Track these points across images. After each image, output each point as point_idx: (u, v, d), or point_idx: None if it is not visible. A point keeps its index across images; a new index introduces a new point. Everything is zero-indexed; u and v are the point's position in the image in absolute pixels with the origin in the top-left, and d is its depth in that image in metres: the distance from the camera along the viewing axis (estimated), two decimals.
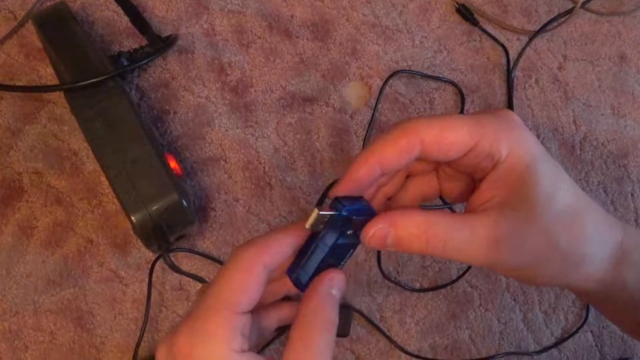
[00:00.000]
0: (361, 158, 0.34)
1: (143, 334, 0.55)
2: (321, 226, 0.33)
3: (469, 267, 0.61)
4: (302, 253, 0.35)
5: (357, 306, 0.59)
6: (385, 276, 0.60)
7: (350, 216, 0.33)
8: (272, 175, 0.60)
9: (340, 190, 0.34)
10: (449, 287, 0.61)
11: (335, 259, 0.35)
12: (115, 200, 0.58)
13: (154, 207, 0.49)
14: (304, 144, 0.61)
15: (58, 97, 0.59)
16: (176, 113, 0.60)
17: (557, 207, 0.34)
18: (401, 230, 0.33)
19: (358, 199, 0.35)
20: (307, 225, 0.33)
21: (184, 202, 0.50)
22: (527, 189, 0.33)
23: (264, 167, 0.60)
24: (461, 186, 0.38)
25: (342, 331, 0.57)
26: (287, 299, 0.40)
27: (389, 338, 0.59)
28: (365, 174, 0.34)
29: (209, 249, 0.58)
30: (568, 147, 0.65)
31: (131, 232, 0.57)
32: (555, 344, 0.61)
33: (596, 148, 0.65)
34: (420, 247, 0.33)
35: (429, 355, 0.60)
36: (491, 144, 0.33)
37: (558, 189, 0.34)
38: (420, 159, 0.34)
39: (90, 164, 0.58)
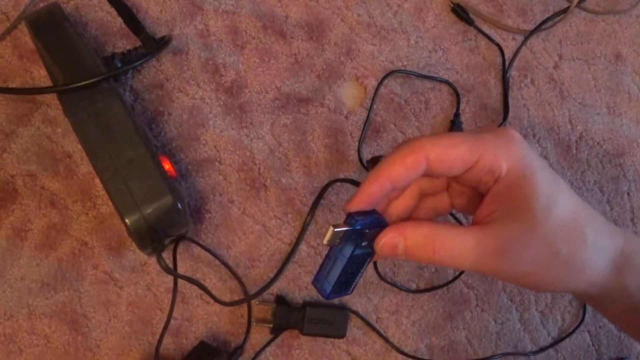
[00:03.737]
0: (372, 176, 0.37)
1: (163, 335, 0.54)
2: (338, 241, 0.36)
3: None
4: (324, 265, 0.38)
5: (353, 307, 0.59)
6: (382, 277, 0.59)
7: (363, 229, 0.36)
8: (267, 177, 0.60)
9: (353, 206, 0.37)
10: (445, 288, 0.61)
11: (354, 268, 0.38)
12: (110, 203, 0.57)
13: (148, 210, 0.49)
14: (299, 144, 0.61)
15: (52, 99, 0.58)
16: (170, 114, 0.60)
17: (556, 217, 0.36)
18: (410, 240, 0.36)
19: (370, 212, 0.38)
20: (325, 241, 0.36)
21: (179, 205, 0.50)
22: (527, 201, 0.35)
23: (259, 168, 0.60)
24: (470, 201, 0.40)
25: (339, 333, 0.57)
26: None
27: (385, 339, 0.59)
28: (376, 190, 0.37)
29: (204, 251, 0.58)
30: (564, 147, 0.65)
31: (126, 234, 0.57)
32: (552, 344, 0.61)
33: (592, 147, 0.65)
34: (427, 256, 0.36)
35: (426, 356, 0.60)
36: (491, 160, 0.36)
37: (557, 200, 0.36)
38: (426, 175, 0.37)
39: (85, 166, 0.58)
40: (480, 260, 0.35)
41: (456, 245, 0.35)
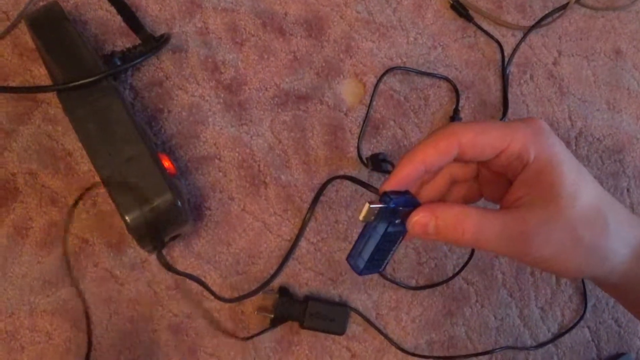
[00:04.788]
0: (407, 158, 0.38)
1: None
2: (372, 217, 0.37)
3: (465, 264, 0.61)
4: (358, 242, 0.39)
5: (352, 304, 0.59)
6: (381, 274, 0.60)
7: (397, 207, 0.37)
8: (267, 174, 0.60)
9: (388, 186, 0.38)
10: (444, 284, 0.61)
11: (387, 245, 0.39)
12: (110, 200, 0.57)
13: (148, 207, 0.49)
14: (298, 141, 0.61)
15: (52, 97, 0.59)
16: (170, 112, 0.60)
17: (581, 205, 0.37)
18: (440, 220, 0.37)
19: (404, 192, 0.39)
20: (361, 217, 0.37)
21: (178, 202, 0.50)
22: (553, 188, 0.37)
23: (258, 165, 0.60)
24: (498, 189, 0.42)
25: (338, 329, 0.57)
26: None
27: (385, 336, 0.59)
28: (410, 171, 0.38)
29: (204, 248, 0.58)
30: (564, 143, 0.65)
31: (126, 231, 0.57)
32: (552, 339, 0.61)
33: (592, 143, 0.65)
34: (456, 236, 0.37)
35: (426, 353, 0.60)
36: (520, 147, 0.37)
37: (582, 188, 0.37)
38: (458, 159, 0.38)
39: (85, 164, 0.58)
40: (507, 242, 0.37)
41: (485, 227, 0.36)
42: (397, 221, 0.38)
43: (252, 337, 0.57)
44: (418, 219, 0.37)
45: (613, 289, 0.45)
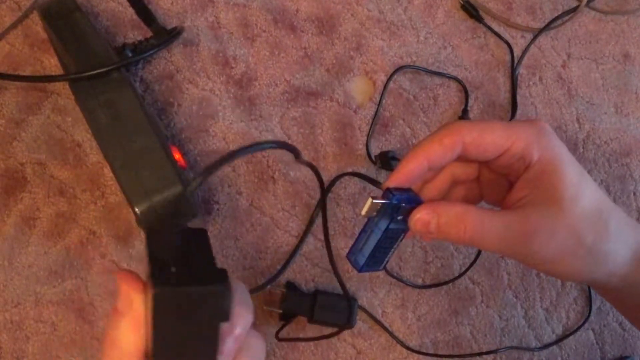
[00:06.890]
0: (411, 154, 0.38)
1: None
2: (374, 213, 0.38)
3: (472, 264, 0.61)
4: (359, 238, 0.39)
5: (359, 301, 0.59)
6: (388, 272, 0.60)
7: (400, 204, 0.37)
8: (276, 169, 0.60)
9: (391, 182, 0.38)
10: (450, 284, 0.61)
11: (388, 242, 0.39)
12: (118, 192, 0.58)
13: (158, 198, 0.49)
14: (307, 138, 0.61)
15: (62, 88, 0.59)
16: (180, 105, 0.60)
17: (582, 207, 0.37)
18: (443, 218, 0.37)
19: (407, 189, 0.39)
20: (363, 212, 0.37)
21: (188, 194, 0.50)
22: (555, 190, 0.37)
23: (267, 161, 0.60)
24: (499, 191, 0.42)
25: (348, 322, 0.57)
26: None
27: (390, 333, 0.59)
28: (413, 168, 0.38)
29: (212, 242, 0.58)
30: (571, 145, 0.65)
31: (133, 224, 0.57)
32: (557, 341, 0.61)
33: (599, 146, 0.65)
34: (458, 234, 0.37)
35: (430, 351, 0.60)
36: (523, 148, 0.37)
37: (583, 191, 0.37)
38: (461, 158, 0.38)
39: (94, 156, 0.58)
40: (508, 242, 0.37)
41: (486, 226, 0.36)
42: (399, 217, 0.38)
43: (278, 331, 0.57)
44: (420, 216, 0.37)
45: (612, 293, 0.45)
